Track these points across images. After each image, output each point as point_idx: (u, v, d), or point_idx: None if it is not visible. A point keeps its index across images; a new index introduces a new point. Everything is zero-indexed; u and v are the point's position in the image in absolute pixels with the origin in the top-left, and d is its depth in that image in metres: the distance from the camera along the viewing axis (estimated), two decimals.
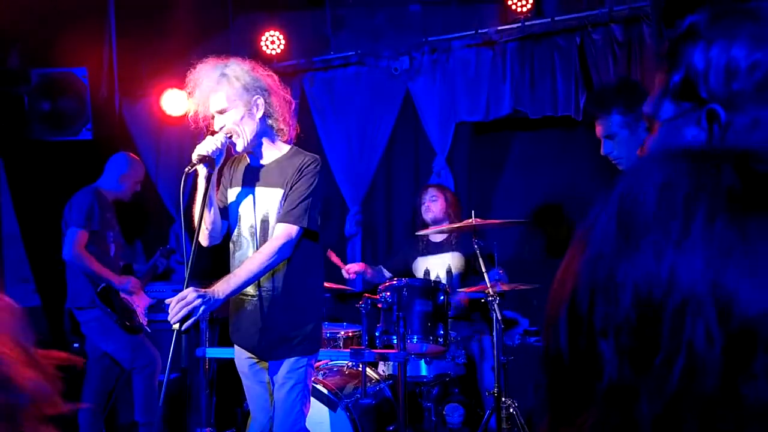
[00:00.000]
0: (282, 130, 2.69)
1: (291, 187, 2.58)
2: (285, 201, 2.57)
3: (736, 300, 0.43)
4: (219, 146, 2.53)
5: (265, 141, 2.66)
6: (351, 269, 4.23)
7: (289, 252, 2.54)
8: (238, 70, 2.62)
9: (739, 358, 0.42)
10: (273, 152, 2.67)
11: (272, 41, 5.00)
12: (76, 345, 4.53)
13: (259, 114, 2.62)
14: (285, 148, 2.68)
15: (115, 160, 4.20)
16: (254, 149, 2.66)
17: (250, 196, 2.66)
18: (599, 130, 2.75)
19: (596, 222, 0.50)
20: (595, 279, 0.47)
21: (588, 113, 2.88)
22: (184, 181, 2.45)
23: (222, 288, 2.49)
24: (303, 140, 5.05)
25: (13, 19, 4.39)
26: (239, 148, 2.62)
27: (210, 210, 2.62)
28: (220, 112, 2.60)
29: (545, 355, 0.51)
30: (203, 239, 2.67)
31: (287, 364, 2.61)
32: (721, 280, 0.43)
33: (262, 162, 2.67)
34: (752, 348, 0.42)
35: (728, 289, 0.43)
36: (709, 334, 0.42)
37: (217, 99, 2.60)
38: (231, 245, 2.73)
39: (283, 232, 2.54)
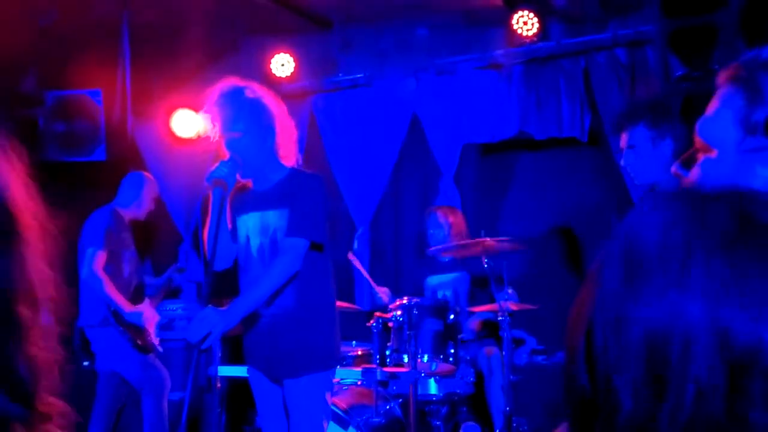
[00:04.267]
0: (285, 157, 2.76)
1: (295, 204, 2.63)
2: (290, 217, 2.63)
3: (733, 332, 0.47)
4: (232, 170, 2.60)
5: (269, 166, 2.72)
6: (383, 290, 4.29)
7: (298, 265, 2.59)
8: (257, 96, 2.69)
9: (739, 384, 0.46)
10: (275, 175, 2.73)
11: (281, 63, 5.07)
12: (86, 363, 4.55)
13: (269, 142, 2.69)
14: (286, 170, 2.74)
15: (131, 180, 4.25)
16: (259, 174, 2.73)
17: (256, 220, 2.71)
18: (624, 139, 2.81)
19: (605, 260, 0.53)
20: (606, 317, 0.51)
21: (616, 123, 2.93)
22: (202, 204, 2.52)
23: (238, 306, 2.55)
24: (311, 160, 5.12)
25: (28, 42, 4.48)
26: (246, 174, 2.69)
27: (223, 233, 2.67)
28: (235, 136, 2.66)
29: (567, 387, 0.55)
30: (216, 262, 2.71)
31: (302, 381, 2.63)
32: (719, 315, 0.47)
33: (266, 185, 2.73)
34: (749, 375, 0.46)
35: (725, 323, 0.47)
36: (712, 364, 0.46)
37: (234, 122, 2.66)
38: (240, 270, 2.78)
39: (290, 246, 2.59)
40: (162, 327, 4.26)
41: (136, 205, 4.21)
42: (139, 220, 4.32)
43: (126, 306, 3.96)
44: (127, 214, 4.19)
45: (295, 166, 2.79)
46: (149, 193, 4.27)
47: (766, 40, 3.13)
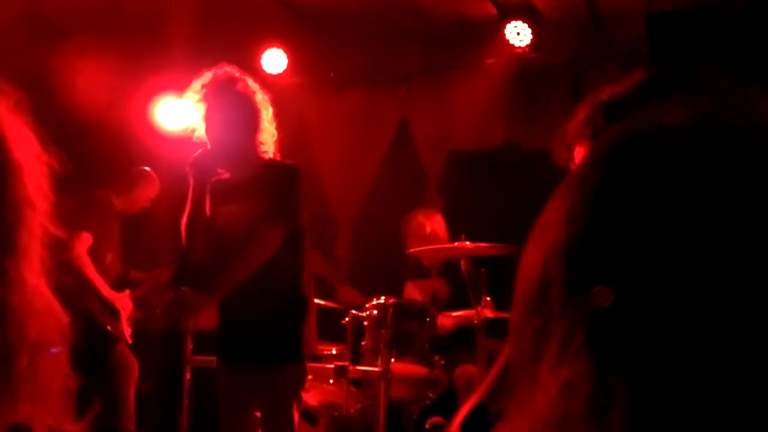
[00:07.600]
0: (266, 151, 2.76)
1: (271, 193, 2.62)
2: (266, 206, 2.61)
3: None
4: (213, 159, 2.60)
5: (248, 160, 2.72)
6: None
7: (271, 251, 2.56)
8: (245, 90, 2.68)
9: None
10: (254, 166, 2.72)
11: (273, 58, 5.06)
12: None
13: (251, 138, 2.68)
14: (264, 162, 2.74)
15: (132, 173, 4.24)
16: (238, 167, 2.72)
17: (233, 210, 2.70)
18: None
19: None
20: None
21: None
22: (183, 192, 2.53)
23: (211, 290, 2.54)
24: (297, 158, 5.10)
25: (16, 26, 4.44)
26: (226, 166, 2.68)
27: (201, 222, 2.65)
28: (217, 127, 2.65)
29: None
30: (193, 251, 2.70)
31: (273, 370, 2.60)
32: None
33: (244, 176, 2.72)
34: None
35: None
36: None
37: (219, 114, 2.65)
38: (215, 259, 2.75)
39: (265, 233, 2.57)
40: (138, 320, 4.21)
41: (131, 199, 4.19)
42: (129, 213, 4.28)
43: (105, 290, 3.93)
44: (120, 204, 4.16)
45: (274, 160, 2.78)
46: (146, 191, 4.24)
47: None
